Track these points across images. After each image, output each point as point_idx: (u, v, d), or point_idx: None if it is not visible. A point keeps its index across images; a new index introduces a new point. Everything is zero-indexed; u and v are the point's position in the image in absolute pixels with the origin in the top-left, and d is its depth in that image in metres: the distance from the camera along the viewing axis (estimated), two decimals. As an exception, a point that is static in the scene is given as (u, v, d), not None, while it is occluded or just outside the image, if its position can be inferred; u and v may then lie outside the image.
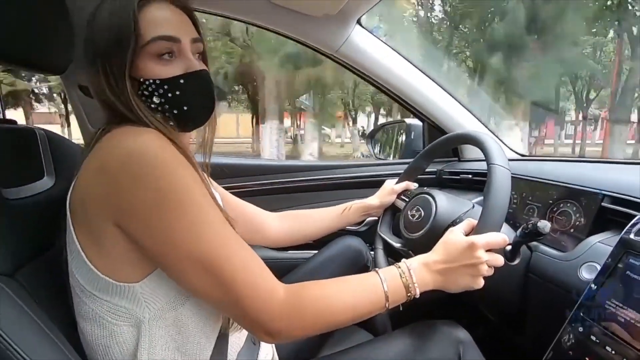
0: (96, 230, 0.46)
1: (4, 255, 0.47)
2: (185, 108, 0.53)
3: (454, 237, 0.60)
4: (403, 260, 0.59)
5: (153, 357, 0.49)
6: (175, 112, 0.53)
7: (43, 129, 0.68)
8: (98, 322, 0.49)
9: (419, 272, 0.57)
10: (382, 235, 0.86)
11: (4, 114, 0.66)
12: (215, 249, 0.45)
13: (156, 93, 0.51)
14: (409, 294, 0.55)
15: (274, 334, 0.48)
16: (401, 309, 0.57)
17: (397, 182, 0.92)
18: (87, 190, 0.46)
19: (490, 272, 0.59)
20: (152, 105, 0.52)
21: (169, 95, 0.52)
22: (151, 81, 0.51)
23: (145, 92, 0.51)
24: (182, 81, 0.52)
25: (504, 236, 0.59)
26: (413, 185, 0.90)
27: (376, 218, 1.05)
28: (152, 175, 0.43)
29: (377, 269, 0.57)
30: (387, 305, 0.54)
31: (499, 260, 0.59)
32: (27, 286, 0.47)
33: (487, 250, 0.58)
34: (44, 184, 0.62)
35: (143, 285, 0.47)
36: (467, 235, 0.61)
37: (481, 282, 0.59)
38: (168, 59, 0.52)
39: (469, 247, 0.57)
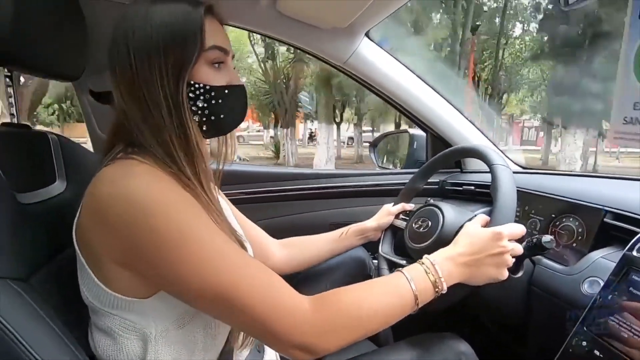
0: (101, 262, 0.46)
1: (19, 260, 0.48)
2: (221, 116, 0.54)
3: (475, 228, 0.60)
4: (425, 256, 0.58)
5: None
6: (212, 118, 0.54)
7: (55, 134, 0.69)
8: (108, 333, 0.49)
9: (444, 266, 0.56)
10: (385, 255, 0.86)
11: (18, 119, 0.67)
12: (227, 279, 0.44)
13: (202, 97, 0.52)
14: (436, 290, 0.55)
15: (311, 349, 0.46)
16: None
17: (393, 204, 0.92)
18: (89, 230, 0.46)
19: (512, 263, 0.60)
20: (193, 108, 0.52)
21: (213, 102, 0.53)
22: (201, 85, 0.51)
23: (191, 95, 0.51)
24: (227, 91, 0.53)
25: (522, 226, 0.60)
26: (409, 207, 0.90)
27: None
28: (148, 220, 0.43)
29: (401, 269, 0.56)
30: (417, 304, 0.53)
31: (520, 248, 0.60)
32: (41, 290, 0.48)
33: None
34: (57, 188, 0.63)
35: (151, 301, 0.48)
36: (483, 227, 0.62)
37: (505, 273, 0.59)
38: (217, 68, 0.53)
39: (494, 237, 0.58)
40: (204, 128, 0.54)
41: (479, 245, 0.58)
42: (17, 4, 0.49)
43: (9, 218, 0.49)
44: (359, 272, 0.95)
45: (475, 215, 0.74)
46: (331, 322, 0.48)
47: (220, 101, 0.53)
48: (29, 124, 0.67)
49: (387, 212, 0.91)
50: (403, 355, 0.65)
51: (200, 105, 0.52)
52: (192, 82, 0.51)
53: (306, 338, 0.46)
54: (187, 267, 0.43)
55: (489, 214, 0.65)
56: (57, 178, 0.64)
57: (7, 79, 0.64)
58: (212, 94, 0.52)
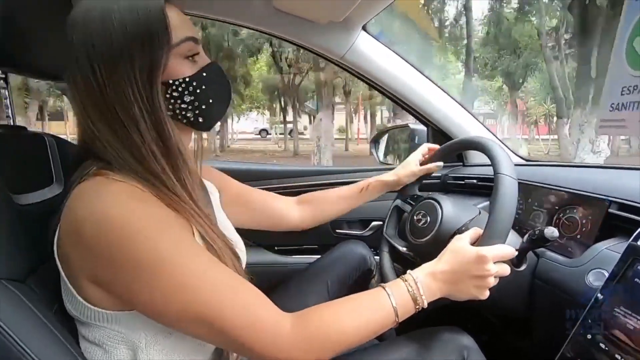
0: (80, 279, 0.46)
1: (16, 261, 0.48)
2: (211, 101, 0.52)
3: (463, 246, 0.59)
4: (409, 272, 0.58)
5: None
6: (204, 107, 0.52)
7: (52, 135, 0.69)
8: (97, 344, 0.48)
9: (425, 283, 0.56)
10: (389, 238, 0.86)
11: (14, 120, 0.67)
12: (206, 302, 0.43)
13: (187, 92, 0.50)
14: (417, 306, 0.54)
15: None
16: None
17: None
18: (66, 247, 0.45)
19: (496, 282, 0.59)
20: (183, 106, 0.50)
21: (198, 91, 0.50)
22: (181, 80, 0.49)
23: (175, 94, 0.49)
24: (204, 74, 0.51)
25: (512, 248, 0.59)
26: (436, 166, 0.87)
27: (380, 224, 1.05)
28: (122, 243, 0.42)
29: (382, 284, 0.56)
30: (397, 319, 0.53)
31: (506, 270, 0.58)
32: (38, 291, 0.48)
33: (495, 262, 0.57)
34: (53, 190, 0.63)
35: (136, 313, 0.46)
36: (473, 243, 0.60)
37: (487, 294, 0.58)
38: (192, 60, 0.51)
39: (479, 259, 0.56)
40: (201, 120, 0.52)
41: (462, 265, 0.57)
42: (6, 3, 0.49)
43: (5, 219, 0.49)
44: (360, 267, 0.95)
45: (477, 216, 0.73)
46: (312, 339, 0.47)
47: (204, 87, 0.51)
48: (25, 125, 0.67)
49: (410, 173, 0.88)
50: (405, 349, 0.64)
51: (188, 100, 0.50)
52: (170, 82, 0.48)
53: (287, 355, 0.46)
54: (163, 290, 0.42)
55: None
56: (54, 180, 0.64)
57: (2, 81, 0.64)
58: (194, 83, 0.50)
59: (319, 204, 0.89)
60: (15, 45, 0.55)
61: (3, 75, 0.64)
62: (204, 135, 0.61)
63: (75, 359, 0.44)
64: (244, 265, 0.59)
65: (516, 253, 0.60)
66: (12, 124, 0.66)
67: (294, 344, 0.46)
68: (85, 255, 0.43)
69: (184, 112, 0.51)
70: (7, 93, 0.65)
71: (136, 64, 0.45)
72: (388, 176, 0.89)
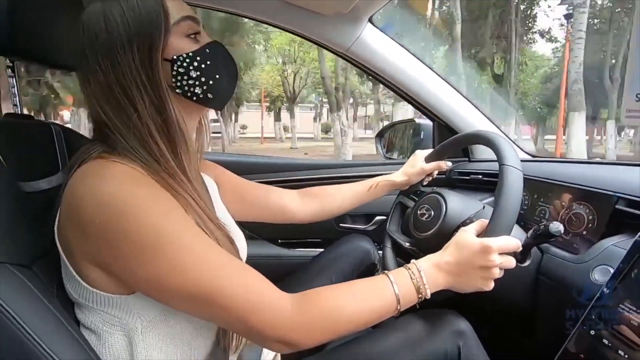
0: (80, 261, 0.47)
1: (22, 246, 0.48)
2: (217, 76, 0.53)
3: (467, 237, 0.58)
4: (413, 261, 0.58)
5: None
6: (211, 82, 0.53)
7: (58, 124, 0.69)
8: (93, 330, 0.49)
9: (429, 273, 0.56)
10: (391, 234, 0.86)
11: (21, 110, 0.67)
12: (207, 280, 0.44)
13: (192, 67, 0.51)
14: (420, 296, 0.55)
15: (291, 344, 0.47)
16: (417, 307, 0.56)
17: (427, 159, 0.89)
18: (66, 229, 0.47)
19: (501, 274, 0.59)
20: (190, 82, 0.51)
21: (203, 65, 0.52)
22: (185, 55, 0.51)
23: (180, 70, 0.51)
24: (208, 50, 0.53)
25: (517, 240, 0.58)
26: (445, 165, 0.88)
27: (384, 218, 1.05)
28: (120, 222, 0.42)
29: (386, 271, 0.56)
30: (398, 307, 0.53)
31: (511, 262, 0.58)
32: (42, 277, 0.48)
33: (500, 254, 0.57)
34: (59, 178, 0.63)
35: (134, 296, 0.47)
36: (478, 236, 0.59)
37: (491, 285, 0.58)
38: (194, 39, 0.53)
39: (483, 250, 0.56)
40: (210, 96, 0.53)
41: (466, 256, 0.57)
42: None
43: (12, 206, 0.50)
44: (364, 262, 0.95)
45: (480, 210, 0.72)
46: (312, 320, 0.48)
47: (209, 62, 0.52)
48: (32, 114, 0.67)
49: (419, 171, 0.89)
50: (401, 334, 0.64)
51: (194, 75, 0.51)
52: (174, 57, 0.50)
53: (287, 333, 0.46)
54: (162, 269, 0.43)
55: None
56: (60, 168, 0.65)
57: (9, 70, 0.64)
58: (198, 58, 0.52)
59: (324, 199, 0.89)
60: (23, 35, 0.55)
61: (11, 64, 0.65)
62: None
63: (78, 344, 0.45)
64: (244, 259, 0.59)
65: (521, 246, 0.59)
66: (19, 112, 0.66)
67: (294, 324, 0.47)
68: (85, 236, 0.44)
69: (192, 89, 0.52)
70: (14, 82, 0.66)
71: (134, 44, 0.47)
72: (397, 176, 0.90)
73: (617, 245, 0.61)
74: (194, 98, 0.53)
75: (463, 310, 0.77)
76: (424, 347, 0.61)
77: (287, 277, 0.92)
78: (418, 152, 0.91)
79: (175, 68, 0.50)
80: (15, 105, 0.66)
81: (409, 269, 0.56)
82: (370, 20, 0.99)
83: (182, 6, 0.52)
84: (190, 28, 0.52)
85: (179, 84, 0.51)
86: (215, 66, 0.53)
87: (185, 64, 0.51)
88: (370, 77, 1.10)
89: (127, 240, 0.43)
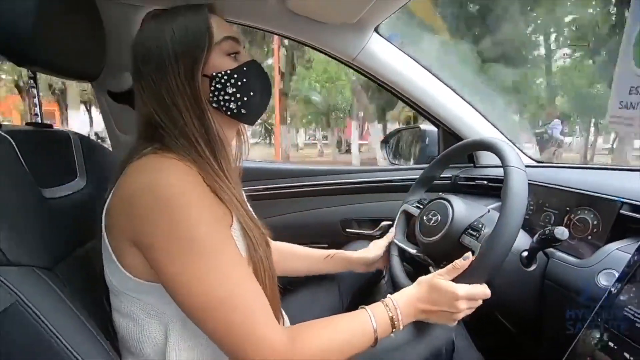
0: (124, 247, 0.50)
1: (44, 250, 0.50)
2: (251, 93, 0.58)
3: (441, 282, 0.62)
4: (389, 296, 0.62)
5: (180, 354, 0.51)
6: (245, 99, 0.57)
7: (77, 133, 0.72)
8: (132, 317, 0.52)
9: (404, 308, 0.60)
10: (397, 242, 0.87)
11: (41, 118, 0.70)
12: (224, 291, 0.46)
13: (228, 83, 0.56)
14: (393, 328, 0.59)
15: None
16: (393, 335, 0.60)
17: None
18: (116, 215, 0.50)
19: (466, 314, 0.63)
20: (226, 97, 0.56)
21: (239, 83, 0.57)
22: (223, 73, 0.56)
23: (218, 85, 0.56)
24: (245, 69, 0.57)
25: (486, 289, 0.62)
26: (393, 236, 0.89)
27: (390, 223, 1.06)
28: (166, 208, 0.46)
29: (364, 307, 0.59)
30: (375, 338, 0.57)
31: (475, 306, 0.63)
32: (63, 279, 0.50)
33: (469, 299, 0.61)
34: (77, 185, 0.66)
35: None
36: (455, 278, 0.63)
37: (454, 323, 0.63)
38: (234, 58, 0.57)
39: (452, 297, 0.60)
40: (244, 112, 0.58)
41: (436, 299, 0.61)
42: (40, 6, 0.52)
43: (35, 211, 0.52)
44: (369, 274, 0.95)
45: (486, 214, 0.74)
46: (302, 355, 0.50)
47: (244, 80, 0.57)
48: (51, 123, 0.70)
49: (373, 260, 0.87)
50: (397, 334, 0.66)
51: (231, 91, 0.56)
52: (213, 74, 0.55)
53: None
54: (190, 269, 0.46)
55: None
56: (77, 175, 0.67)
57: (31, 81, 0.67)
58: (235, 76, 0.56)
59: (284, 255, 0.87)
60: (44, 46, 0.57)
61: (32, 75, 0.67)
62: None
63: (98, 343, 0.47)
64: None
65: (489, 295, 0.62)
66: (39, 121, 0.69)
67: (285, 356, 0.48)
68: (131, 218, 0.47)
69: (227, 104, 0.57)
70: (35, 92, 0.68)
71: (180, 60, 0.53)
72: (353, 255, 0.88)
73: (622, 249, 0.62)
74: (228, 113, 0.57)
75: (470, 314, 0.78)
76: (423, 339, 0.67)
77: (295, 282, 0.93)
78: (378, 241, 0.90)
79: (213, 84, 0.55)
80: (36, 114, 0.69)
81: (386, 305, 0.60)
82: (376, 30, 1.01)
83: (225, 26, 0.58)
84: (231, 47, 0.57)
85: (216, 98, 0.56)
86: (250, 84, 0.58)
87: (223, 81, 0.56)
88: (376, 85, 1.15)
89: (168, 229, 0.46)
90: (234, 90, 0.56)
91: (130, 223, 0.48)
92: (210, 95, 0.56)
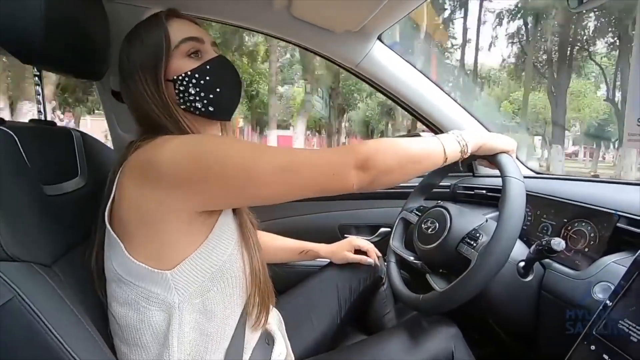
0: (131, 234, 0.51)
1: (44, 246, 0.50)
2: (218, 90, 0.59)
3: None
4: (452, 131, 0.66)
5: (182, 340, 0.52)
6: (211, 96, 0.58)
7: (79, 131, 0.72)
8: (132, 306, 0.52)
9: (466, 134, 0.65)
10: (395, 249, 0.87)
11: (45, 116, 0.70)
12: (295, 154, 0.50)
13: (191, 84, 0.57)
14: (462, 149, 0.63)
15: (367, 165, 0.52)
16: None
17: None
18: (138, 192, 0.50)
19: None
20: (190, 98, 0.57)
21: (202, 82, 0.58)
22: (184, 74, 0.57)
23: (181, 87, 0.57)
24: (208, 67, 0.58)
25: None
26: (366, 261, 0.95)
27: (388, 230, 1.06)
28: (200, 142, 0.49)
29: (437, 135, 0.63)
30: (445, 157, 0.61)
31: None
32: (61, 276, 0.50)
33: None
34: (78, 182, 0.66)
35: (174, 273, 0.51)
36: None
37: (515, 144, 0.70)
38: (195, 57, 0.59)
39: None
40: (211, 109, 0.59)
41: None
42: (47, 6, 0.53)
43: (36, 208, 0.52)
44: (370, 275, 0.96)
45: (484, 224, 0.74)
46: (376, 145, 0.54)
47: (207, 78, 0.58)
48: (55, 121, 0.70)
49: (342, 257, 0.95)
50: (397, 340, 0.69)
51: (194, 91, 0.57)
52: (174, 77, 0.57)
53: (360, 156, 0.52)
54: (256, 153, 0.49)
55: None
56: (79, 173, 0.68)
57: (37, 78, 0.68)
58: (197, 75, 0.57)
59: (266, 244, 0.92)
60: (51, 44, 0.58)
61: (38, 73, 0.68)
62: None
63: (92, 338, 0.47)
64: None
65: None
66: (43, 118, 0.69)
67: (363, 149, 0.52)
68: (163, 175, 0.47)
69: (194, 104, 0.58)
70: (40, 90, 0.69)
71: (144, 71, 0.57)
72: (323, 249, 0.98)
73: (618, 262, 0.62)
74: (197, 112, 0.59)
75: (467, 324, 0.78)
76: (422, 349, 0.67)
77: (293, 286, 0.93)
78: (351, 237, 1.01)
79: (177, 87, 0.57)
80: (40, 112, 0.69)
81: (453, 132, 0.65)
82: (379, 38, 1.02)
83: (185, 27, 0.59)
84: (192, 47, 0.58)
85: (182, 100, 0.58)
86: (215, 80, 0.59)
87: (185, 82, 0.57)
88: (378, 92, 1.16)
89: (215, 154, 0.48)
90: (198, 89, 0.58)
91: (160, 182, 0.47)
92: (177, 98, 0.58)
